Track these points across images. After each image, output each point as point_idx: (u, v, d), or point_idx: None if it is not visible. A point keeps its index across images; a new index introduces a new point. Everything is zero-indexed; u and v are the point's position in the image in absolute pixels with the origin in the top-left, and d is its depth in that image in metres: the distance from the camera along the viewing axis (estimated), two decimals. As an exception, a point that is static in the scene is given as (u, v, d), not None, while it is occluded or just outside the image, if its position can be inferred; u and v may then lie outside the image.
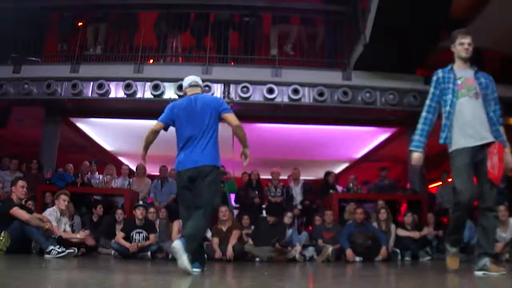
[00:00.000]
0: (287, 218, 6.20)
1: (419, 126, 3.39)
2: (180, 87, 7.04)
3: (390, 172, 8.39)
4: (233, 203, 7.81)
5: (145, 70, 7.38)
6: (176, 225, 5.91)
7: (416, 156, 3.38)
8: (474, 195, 3.20)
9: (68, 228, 5.49)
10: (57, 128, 8.03)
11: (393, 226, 6.49)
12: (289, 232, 6.17)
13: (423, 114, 3.41)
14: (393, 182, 8.11)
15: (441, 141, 3.33)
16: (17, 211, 4.76)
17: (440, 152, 10.08)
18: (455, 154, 3.27)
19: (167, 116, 3.52)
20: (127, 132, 9.26)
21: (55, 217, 5.25)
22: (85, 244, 5.41)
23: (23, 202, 5.24)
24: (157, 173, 7.66)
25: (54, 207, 5.41)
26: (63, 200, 5.40)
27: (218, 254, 5.65)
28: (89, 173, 7.69)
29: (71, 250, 4.75)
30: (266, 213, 6.91)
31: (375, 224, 6.32)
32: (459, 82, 3.35)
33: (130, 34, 7.80)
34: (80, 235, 5.34)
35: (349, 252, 5.73)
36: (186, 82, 3.72)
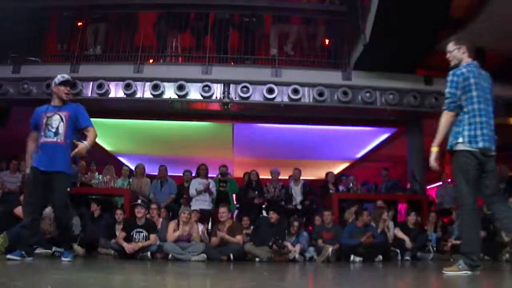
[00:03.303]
0: (293, 228, 6.20)
1: None
2: (180, 87, 7.06)
3: (389, 172, 8.43)
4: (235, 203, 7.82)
5: (145, 70, 7.38)
6: (172, 225, 5.92)
7: None
8: None
9: None
10: (57, 128, 8.01)
11: (391, 224, 6.48)
12: (293, 238, 6.18)
13: None
14: (397, 180, 8.22)
15: None
16: (19, 210, 4.82)
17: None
18: None
19: None
20: (127, 132, 9.26)
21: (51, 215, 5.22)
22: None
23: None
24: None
25: None
26: None
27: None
28: (89, 173, 7.68)
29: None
30: (267, 213, 6.90)
31: (373, 224, 6.31)
32: None
33: (130, 34, 7.80)
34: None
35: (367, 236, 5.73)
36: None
